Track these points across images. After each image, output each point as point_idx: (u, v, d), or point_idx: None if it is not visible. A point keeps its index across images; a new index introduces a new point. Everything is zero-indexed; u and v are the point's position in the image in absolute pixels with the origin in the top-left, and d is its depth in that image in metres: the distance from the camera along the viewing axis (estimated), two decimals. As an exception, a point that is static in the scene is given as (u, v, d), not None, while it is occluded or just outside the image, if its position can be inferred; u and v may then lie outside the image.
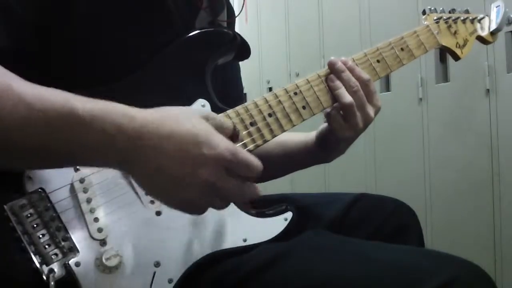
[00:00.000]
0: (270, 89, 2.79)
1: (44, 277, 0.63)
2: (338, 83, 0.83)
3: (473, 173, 1.84)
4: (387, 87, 2.14)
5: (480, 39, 1.06)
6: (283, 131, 0.81)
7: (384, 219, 0.91)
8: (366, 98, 0.84)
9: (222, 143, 0.60)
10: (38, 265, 0.64)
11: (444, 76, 1.95)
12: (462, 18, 1.02)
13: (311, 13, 2.52)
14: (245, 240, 0.75)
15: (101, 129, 0.57)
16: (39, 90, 0.57)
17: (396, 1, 2.07)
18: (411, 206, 0.96)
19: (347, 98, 0.83)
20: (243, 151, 0.62)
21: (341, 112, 0.83)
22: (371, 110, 0.85)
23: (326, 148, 0.91)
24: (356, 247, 0.71)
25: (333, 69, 0.84)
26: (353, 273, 0.65)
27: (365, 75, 0.85)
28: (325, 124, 0.89)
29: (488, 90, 1.77)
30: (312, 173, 2.47)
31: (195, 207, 0.62)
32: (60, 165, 0.63)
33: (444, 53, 1.89)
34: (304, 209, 0.88)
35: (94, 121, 0.57)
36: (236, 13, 0.99)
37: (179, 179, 0.59)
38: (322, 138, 0.91)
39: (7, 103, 0.55)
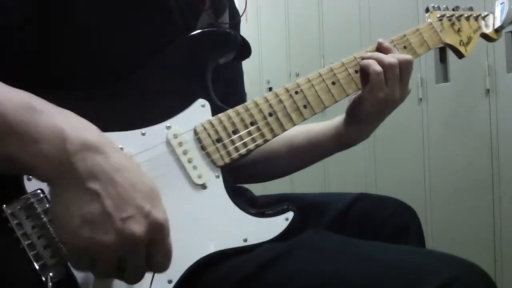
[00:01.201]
0: (270, 89, 2.79)
1: (43, 278, 0.63)
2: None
3: (473, 173, 1.84)
4: (387, 87, 2.14)
5: (484, 36, 1.05)
6: (284, 130, 0.81)
7: (384, 219, 0.91)
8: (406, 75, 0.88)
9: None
10: (37, 266, 0.63)
11: (444, 76, 1.95)
12: (466, 15, 1.01)
13: (311, 13, 2.52)
14: (245, 240, 0.74)
15: (54, 124, 0.55)
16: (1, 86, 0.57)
17: (396, 1, 2.07)
18: (411, 206, 0.96)
19: (392, 59, 0.86)
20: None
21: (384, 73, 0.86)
22: (407, 86, 0.89)
23: (356, 122, 0.92)
24: (356, 247, 0.71)
25: (381, 47, 0.90)
26: (353, 273, 0.65)
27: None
28: (357, 94, 0.90)
29: (488, 90, 1.77)
30: (312, 173, 2.47)
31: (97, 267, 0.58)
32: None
33: (444, 53, 1.91)
34: (305, 208, 0.87)
35: (48, 115, 0.56)
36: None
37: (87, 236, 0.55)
38: (352, 110, 0.92)
39: None
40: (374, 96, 0.87)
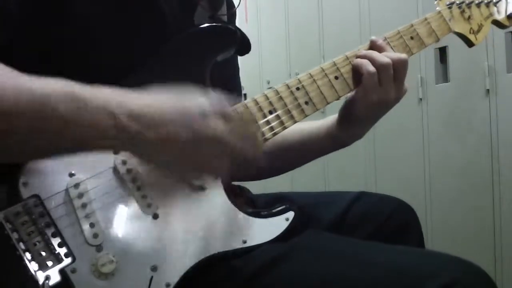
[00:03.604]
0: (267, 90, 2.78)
1: (40, 284, 0.63)
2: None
3: (473, 173, 1.83)
4: (387, 87, 2.13)
5: (496, 23, 1.01)
6: (285, 128, 0.79)
7: (384, 218, 0.91)
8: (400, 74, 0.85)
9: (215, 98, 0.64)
10: (33, 272, 0.63)
11: (444, 76, 1.94)
12: (476, 2, 0.97)
13: (311, 13, 2.51)
14: (244, 242, 0.74)
15: (101, 105, 0.58)
16: (41, 80, 0.58)
17: (396, 1, 2.07)
18: (411, 206, 0.96)
19: (385, 59, 0.83)
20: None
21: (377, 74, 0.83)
22: (402, 86, 0.86)
23: (349, 123, 0.90)
24: (356, 249, 0.71)
25: (375, 45, 0.87)
26: (353, 275, 0.65)
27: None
28: (350, 96, 0.87)
29: (488, 90, 1.77)
30: (312, 173, 2.47)
31: (207, 169, 0.65)
32: (60, 152, 0.63)
33: (444, 53, 1.91)
34: (305, 207, 0.87)
35: (94, 98, 0.58)
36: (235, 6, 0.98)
37: (190, 140, 0.61)
38: (346, 112, 0.89)
39: (10, 91, 0.56)
40: (368, 98, 0.84)
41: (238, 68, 1.03)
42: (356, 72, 0.85)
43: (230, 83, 0.97)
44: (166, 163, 0.64)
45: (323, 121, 0.95)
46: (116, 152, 0.71)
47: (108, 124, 0.58)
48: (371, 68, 0.83)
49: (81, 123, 0.57)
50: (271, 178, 1.04)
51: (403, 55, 0.85)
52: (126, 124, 0.58)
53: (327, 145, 0.94)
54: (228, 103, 0.65)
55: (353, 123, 0.90)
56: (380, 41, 0.87)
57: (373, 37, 0.88)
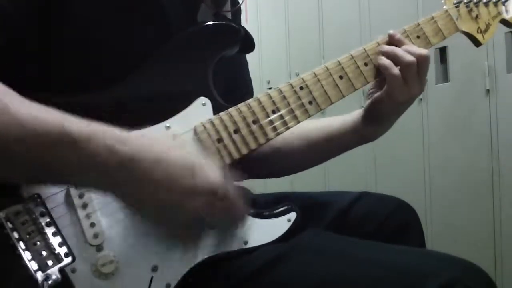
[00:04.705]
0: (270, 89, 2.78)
1: (40, 284, 0.63)
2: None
3: (473, 173, 1.83)
4: (387, 87, 2.13)
5: (504, 22, 1.00)
6: (288, 128, 0.78)
7: (385, 218, 0.91)
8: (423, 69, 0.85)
9: (215, 175, 0.63)
10: (33, 272, 0.63)
11: (444, 76, 1.94)
12: (484, 0, 0.96)
13: (311, 13, 2.51)
14: (246, 243, 0.73)
15: (94, 152, 0.58)
16: (36, 111, 0.58)
17: (396, 1, 2.07)
18: (411, 206, 0.96)
19: (410, 57, 0.82)
20: (233, 187, 0.65)
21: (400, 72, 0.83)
22: (424, 79, 0.85)
23: (376, 121, 0.90)
24: (356, 248, 0.71)
25: (393, 39, 0.86)
26: (353, 275, 0.65)
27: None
28: (375, 96, 0.87)
29: (488, 90, 1.77)
30: (312, 173, 2.46)
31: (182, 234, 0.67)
32: (51, 183, 0.65)
33: (444, 53, 1.90)
34: (306, 207, 0.87)
35: (87, 143, 0.57)
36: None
37: (168, 206, 0.61)
38: (371, 110, 0.89)
39: (1, 122, 0.56)
40: (394, 97, 0.84)
41: (247, 63, 1.01)
42: (380, 72, 0.85)
43: (238, 80, 0.96)
44: (142, 214, 0.65)
45: (347, 117, 0.95)
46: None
47: (97, 171, 0.59)
48: (396, 72, 0.83)
49: (70, 166, 0.58)
50: (270, 178, 1.04)
51: (425, 51, 0.85)
52: (114, 173, 0.59)
53: (353, 141, 0.94)
54: (228, 182, 0.64)
55: (380, 120, 0.90)
56: (398, 35, 0.86)
57: (391, 31, 0.87)
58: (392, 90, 0.84)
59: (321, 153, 0.97)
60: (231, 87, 0.87)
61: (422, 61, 0.84)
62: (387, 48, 0.85)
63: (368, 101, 0.90)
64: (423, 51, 0.84)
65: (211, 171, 0.62)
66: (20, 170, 0.59)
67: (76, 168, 0.58)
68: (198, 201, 0.61)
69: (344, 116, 0.95)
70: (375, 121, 0.90)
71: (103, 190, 0.63)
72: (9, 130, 0.55)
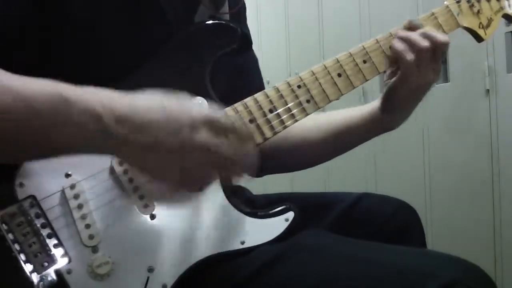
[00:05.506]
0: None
1: (35, 285, 0.62)
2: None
3: (473, 173, 1.83)
4: (387, 87, 2.14)
5: (507, 17, 0.98)
6: (285, 127, 0.78)
7: (386, 219, 0.91)
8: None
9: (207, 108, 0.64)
10: (28, 273, 0.63)
11: (444, 76, 1.94)
12: None
13: (311, 13, 2.51)
14: (243, 243, 0.73)
15: (88, 108, 0.57)
16: (28, 80, 0.58)
17: (396, 1, 2.07)
18: (411, 206, 0.95)
19: (425, 42, 0.81)
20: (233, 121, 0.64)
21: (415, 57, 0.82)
22: (439, 65, 0.84)
23: (393, 109, 0.89)
24: (356, 248, 0.71)
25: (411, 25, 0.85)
26: (353, 275, 0.65)
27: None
28: (390, 83, 0.87)
29: (488, 90, 1.77)
30: (312, 173, 2.46)
31: (193, 181, 0.63)
32: (48, 154, 0.63)
33: (444, 53, 1.90)
34: (306, 208, 0.87)
35: (80, 100, 0.57)
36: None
37: (177, 149, 0.59)
38: (388, 99, 0.89)
39: None
40: (408, 85, 0.83)
41: (256, 59, 1.01)
42: (394, 57, 0.84)
43: (246, 77, 0.96)
44: (152, 169, 0.62)
45: (364, 107, 0.94)
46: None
47: (94, 127, 0.57)
48: (409, 57, 0.81)
49: (66, 125, 0.57)
50: (270, 178, 1.03)
51: (446, 38, 0.83)
52: (113, 128, 0.57)
53: (372, 131, 0.94)
54: (222, 113, 0.63)
55: (397, 108, 0.89)
56: (416, 21, 0.85)
57: (410, 18, 0.86)
58: (405, 76, 0.83)
59: (341, 145, 0.97)
60: (238, 84, 0.87)
61: (437, 46, 0.82)
62: (402, 33, 0.84)
63: (385, 89, 0.89)
64: (440, 37, 0.83)
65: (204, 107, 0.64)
66: (12, 139, 0.57)
67: (68, 127, 0.57)
68: (202, 134, 0.60)
69: (363, 106, 0.95)
70: (392, 110, 0.90)
71: (104, 150, 0.62)
72: (2, 97, 0.55)
